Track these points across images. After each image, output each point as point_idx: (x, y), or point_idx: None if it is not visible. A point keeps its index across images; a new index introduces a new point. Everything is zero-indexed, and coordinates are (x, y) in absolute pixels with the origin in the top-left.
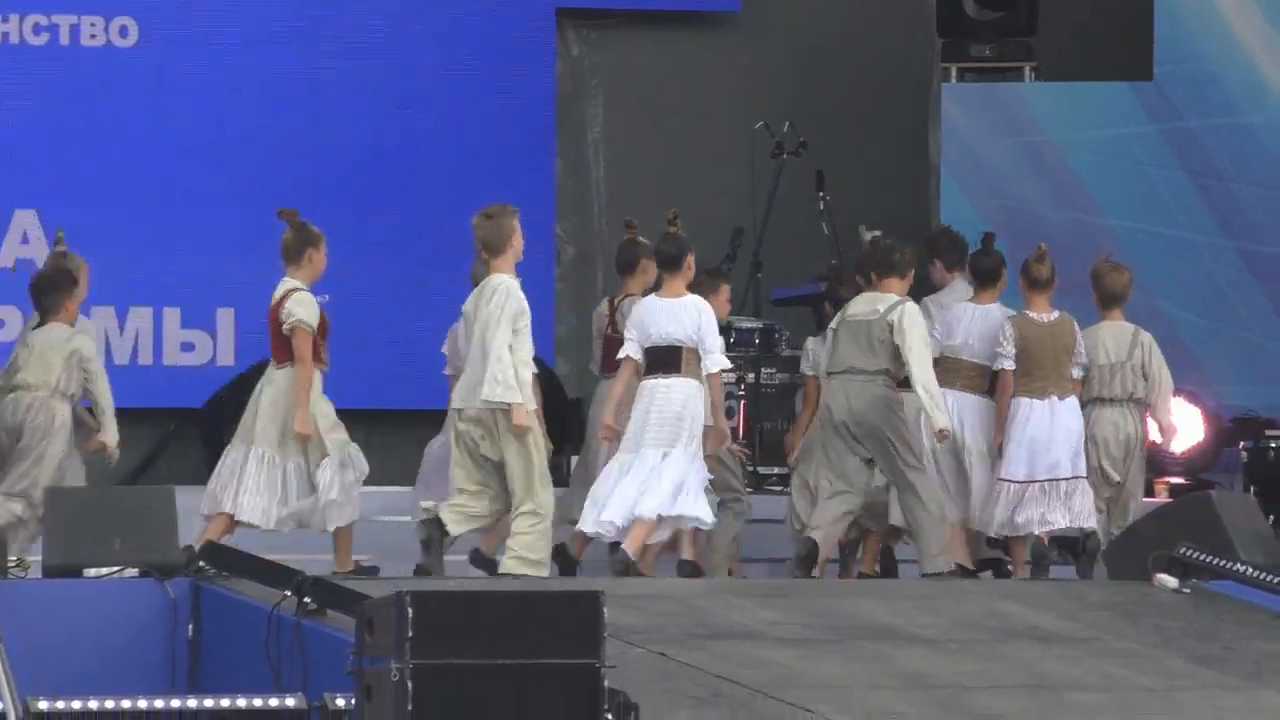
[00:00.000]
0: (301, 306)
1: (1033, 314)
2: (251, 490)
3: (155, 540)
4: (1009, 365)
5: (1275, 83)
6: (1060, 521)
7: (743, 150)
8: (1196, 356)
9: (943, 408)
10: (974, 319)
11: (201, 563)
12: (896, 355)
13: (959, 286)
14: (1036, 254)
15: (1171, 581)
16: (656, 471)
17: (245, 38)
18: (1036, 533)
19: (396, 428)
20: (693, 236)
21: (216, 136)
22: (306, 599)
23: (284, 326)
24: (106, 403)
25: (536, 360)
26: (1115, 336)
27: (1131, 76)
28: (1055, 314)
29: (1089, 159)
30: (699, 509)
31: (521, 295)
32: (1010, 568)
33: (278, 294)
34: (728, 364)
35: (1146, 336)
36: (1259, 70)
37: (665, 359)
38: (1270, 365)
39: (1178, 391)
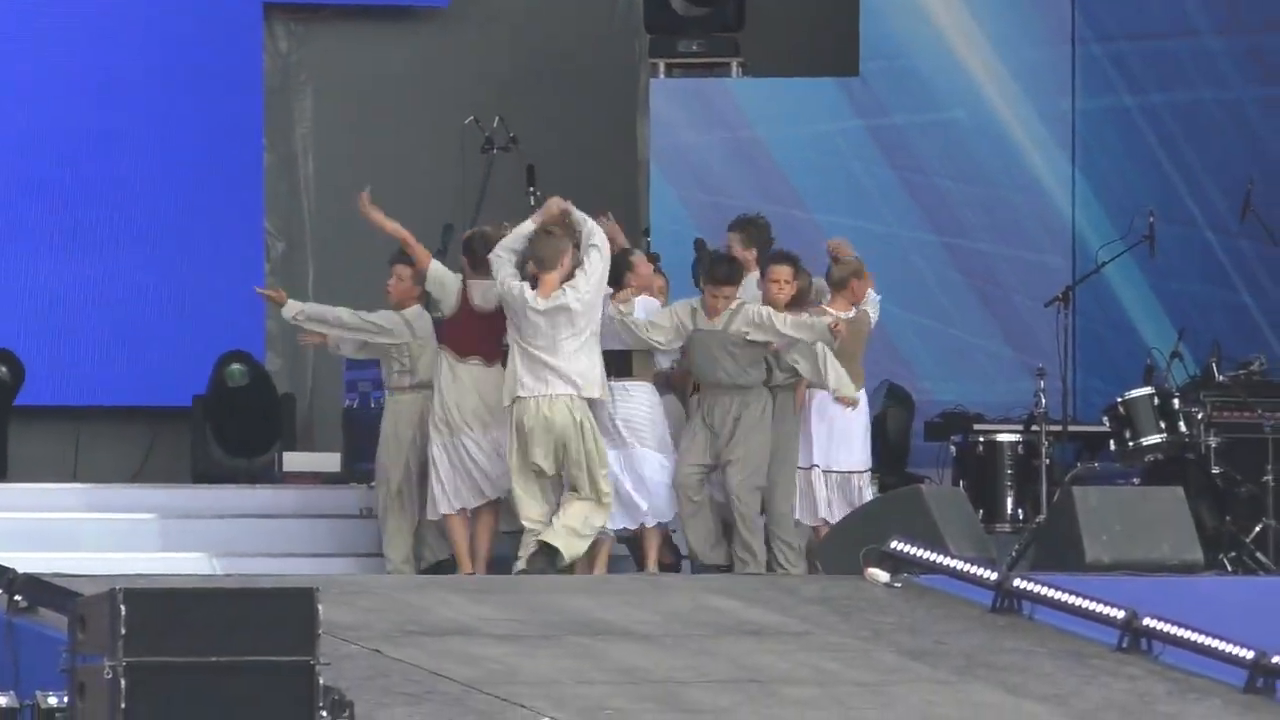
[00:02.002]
0: None
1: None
2: None
3: None
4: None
5: (980, 78)
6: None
7: (453, 145)
8: (903, 352)
9: None
10: None
11: None
12: None
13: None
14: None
15: (883, 576)
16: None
17: None
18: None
19: (105, 423)
20: None
21: None
22: (18, 597)
23: None
24: None
25: (244, 356)
26: None
27: (838, 72)
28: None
29: (795, 154)
30: None
31: None
32: None
33: None
34: None
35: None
36: (964, 66)
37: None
38: (977, 361)
39: None
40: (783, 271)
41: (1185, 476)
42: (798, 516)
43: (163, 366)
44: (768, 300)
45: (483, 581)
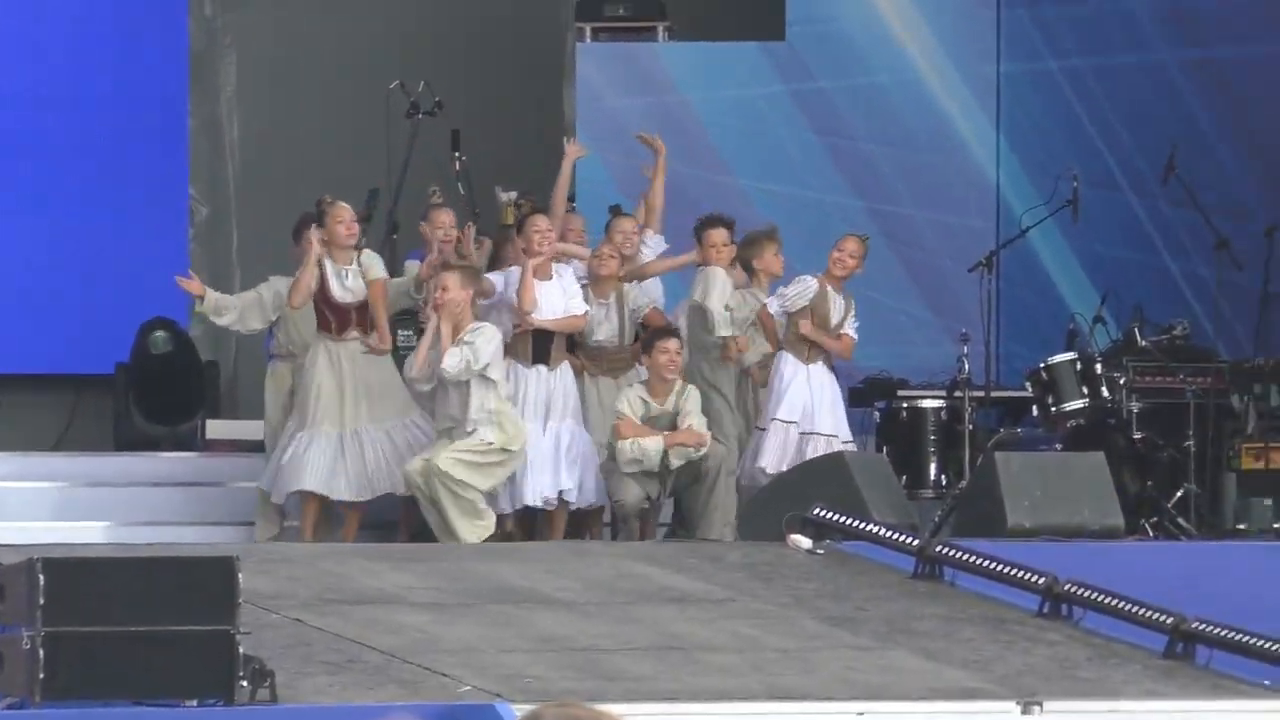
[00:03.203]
0: None
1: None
2: None
3: None
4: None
5: (905, 42)
6: None
7: (378, 110)
8: None
9: None
10: None
11: None
12: None
13: None
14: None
15: (805, 542)
16: None
17: None
18: None
19: (26, 390)
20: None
21: None
22: None
23: None
24: None
25: (168, 323)
26: None
27: (764, 37)
28: None
29: (721, 119)
30: None
31: None
32: None
33: None
34: None
35: None
36: (890, 30)
37: None
38: (901, 326)
39: None
40: (720, 235)
41: (1107, 442)
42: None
43: (85, 333)
44: (707, 261)
45: (406, 550)
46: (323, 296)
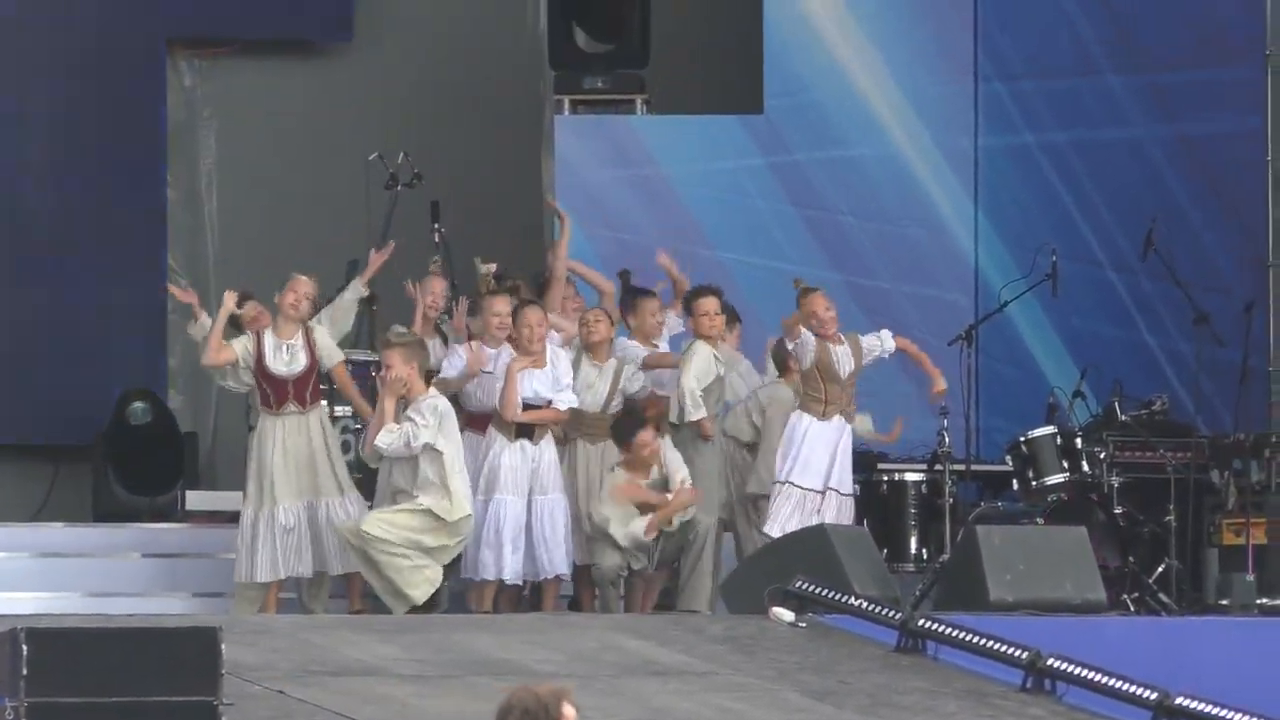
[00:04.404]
0: None
1: None
2: None
3: None
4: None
5: (882, 115)
6: None
7: (358, 181)
8: None
9: None
10: None
11: None
12: None
13: None
14: None
15: (788, 615)
16: None
17: None
18: None
19: (5, 460)
20: (307, 268)
21: None
22: None
23: None
24: None
25: (147, 394)
26: None
27: (742, 109)
28: None
29: (700, 192)
30: None
31: None
32: None
33: None
34: None
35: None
36: (867, 103)
37: None
38: (881, 399)
39: None
40: (711, 304)
41: (1088, 516)
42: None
43: (64, 403)
44: (700, 333)
45: (389, 621)
46: (260, 369)
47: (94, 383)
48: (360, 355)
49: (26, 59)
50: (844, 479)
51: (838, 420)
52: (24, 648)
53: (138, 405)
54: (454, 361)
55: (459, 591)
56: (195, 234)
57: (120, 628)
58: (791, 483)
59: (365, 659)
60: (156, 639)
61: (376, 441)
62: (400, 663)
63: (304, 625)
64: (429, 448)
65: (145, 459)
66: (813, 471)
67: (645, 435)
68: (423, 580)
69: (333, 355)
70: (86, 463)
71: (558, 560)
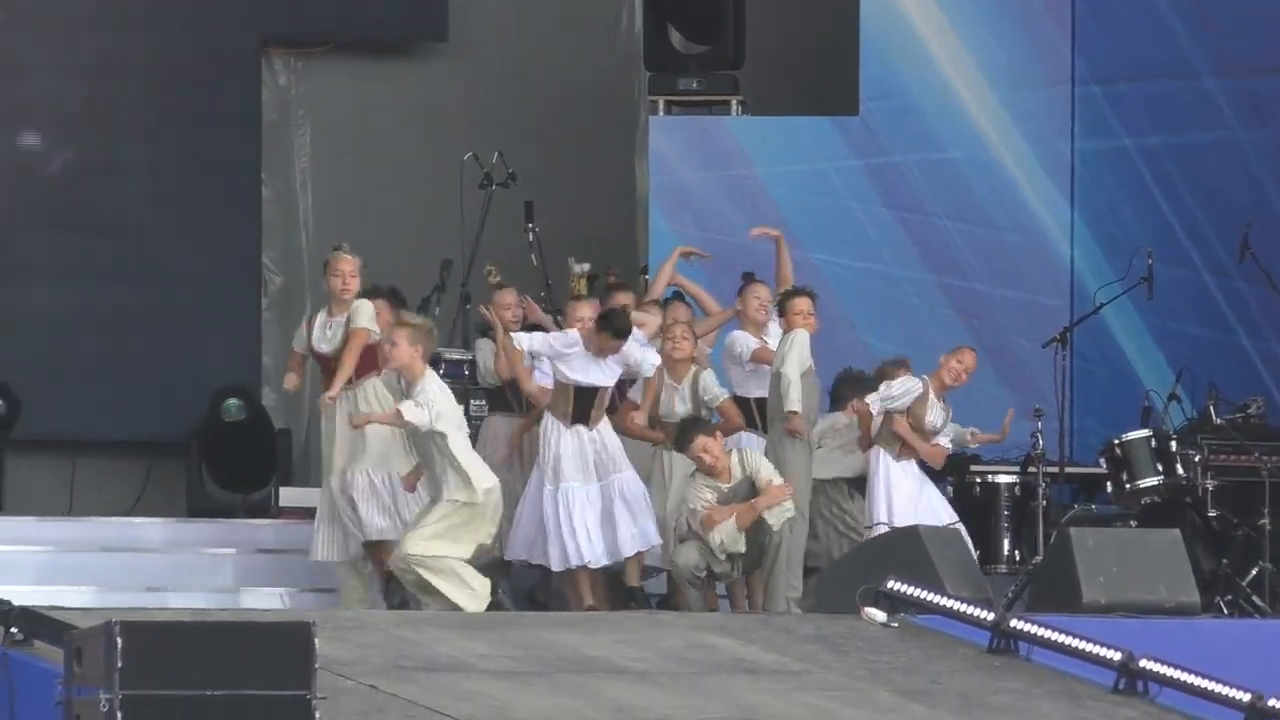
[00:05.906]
0: None
1: None
2: None
3: None
4: None
5: (978, 117)
6: None
7: (451, 180)
8: None
9: None
10: None
11: None
12: None
13: None
14: None
15: (880, 615)
16: None
17: None
18: None
19: (101, 457)
20: (401, 267)
21: None
22: (13, 629)
23: None
24: None
25: (241, 391)
26: None
27: (837, 110)
28: None
29: (793, 193)
30: None
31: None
32: None
33: None
34: None
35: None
36: (963, 106)
37: None
38: (974, 402)
39: None
40: (805, 303)
41: (1182, 519)
42: None
43: (159, 401)
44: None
45: (477, 618)
46: (311, 351)
47: (189, 380)
48: (455, 354)
49: (123, 60)
50: (938, 511)
51: (911, 463)
52: (119, 640)
53: (232, 402)
54: (544, 368)
55: (558, 589)
56: (290, 232)
57: (214, 622)
58: (884, 524)
59: (456, 655)
60: (250, 633)
61: (408, 418)
62: (489, 659)
63: (396, 621)
64: (432, 433)
65: (239, 455)
66: (909, 513)
67: (702, 442)
68: (473, 594)
69: (359, 320)
70: (181, 459)
71: (650, 532)
